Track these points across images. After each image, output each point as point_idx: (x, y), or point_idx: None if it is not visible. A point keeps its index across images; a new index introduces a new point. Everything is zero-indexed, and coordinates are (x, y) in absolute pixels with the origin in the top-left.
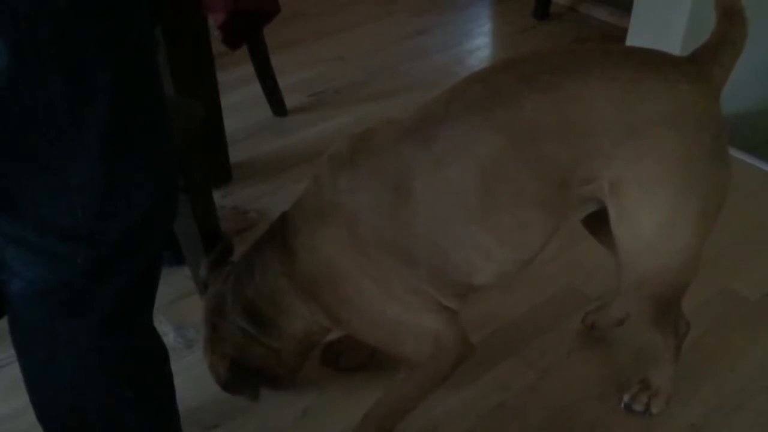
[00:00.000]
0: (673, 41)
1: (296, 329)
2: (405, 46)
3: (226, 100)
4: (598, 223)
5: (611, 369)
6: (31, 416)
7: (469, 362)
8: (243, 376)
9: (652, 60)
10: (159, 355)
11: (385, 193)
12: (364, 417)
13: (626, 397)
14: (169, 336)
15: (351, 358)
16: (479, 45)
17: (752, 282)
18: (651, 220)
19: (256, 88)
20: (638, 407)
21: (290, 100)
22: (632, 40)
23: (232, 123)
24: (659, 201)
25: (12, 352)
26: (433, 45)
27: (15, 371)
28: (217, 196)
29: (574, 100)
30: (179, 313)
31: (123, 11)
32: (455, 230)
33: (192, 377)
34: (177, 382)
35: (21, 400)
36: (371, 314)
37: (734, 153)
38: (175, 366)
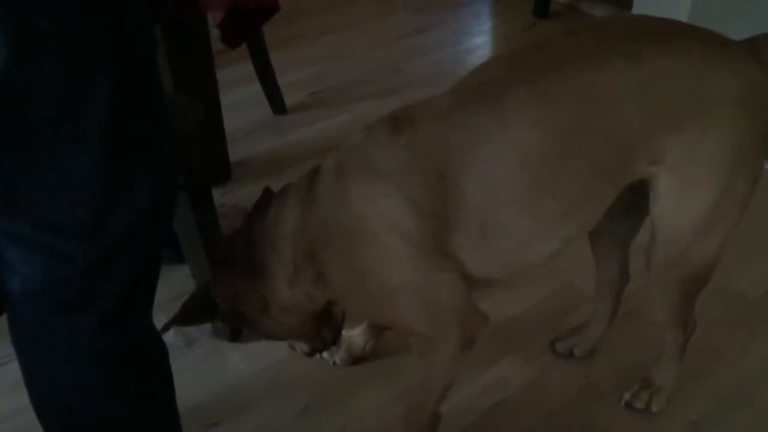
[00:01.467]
0: None
1: (284, 285)
2: (405, 45)
3: (226, 99)
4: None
5: (611, 367)
6: (31, 414)
7: (468, 360)
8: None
9: (716, 37)
10: (159, 353)
11: (444, 157)
12: (404, 413)
13: (627, 395)
14: (168, 334)
15: (351, 351)
16: (479, 43)
17: (753, 280)
18: (703, 199)
19: (255, 87)
20: (639, 405)
21: (290, 99)
22: None
23: (231, 121)
24: (715, 179)
25: (12, 350)
26: (433, 43)
27: (15, 369)
28: (217, 194)
29: (653, 69)
30: None
31: (123, 8)
32: (518, 201)
33: (192, 375)
34: (177, 380)
35: (21, 398)
36: (390, 281)
37: None
38: (174, 364)
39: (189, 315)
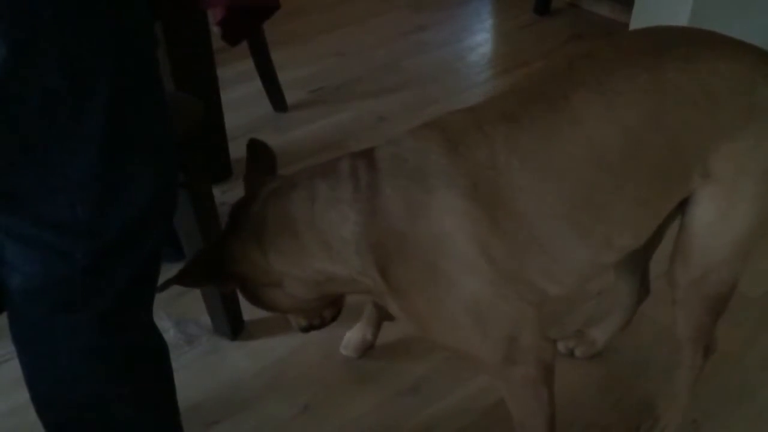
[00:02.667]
0: None
1: (324, 271)
2: (405, 42)
3: (226, 96)
4: None
5: (612, 366)
6: (31, 412)
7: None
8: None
9: (758, 49)
10: (159, 351)
11: (522, 167)
12: None
13: None
14: (169, 332)
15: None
16: (480, 41)
17: (754, 279)
18: (746, 216)
19: (256, 84)
20: None
21: (290, 96)
22: None
23: (232, 119)
24: (760, 195)
25: (12, 347)
26: (433, 41)
27: (15, 367)
28: (218, 192)
29: (712, 71)
30: (179, 308)
31: (123, 7)
32: (590, 205)
33: (192, 373)
34: (177, 378)
35: (21, 395)
36: (457, 305)
37: None
38: (175, 362)
39: (192, 274)
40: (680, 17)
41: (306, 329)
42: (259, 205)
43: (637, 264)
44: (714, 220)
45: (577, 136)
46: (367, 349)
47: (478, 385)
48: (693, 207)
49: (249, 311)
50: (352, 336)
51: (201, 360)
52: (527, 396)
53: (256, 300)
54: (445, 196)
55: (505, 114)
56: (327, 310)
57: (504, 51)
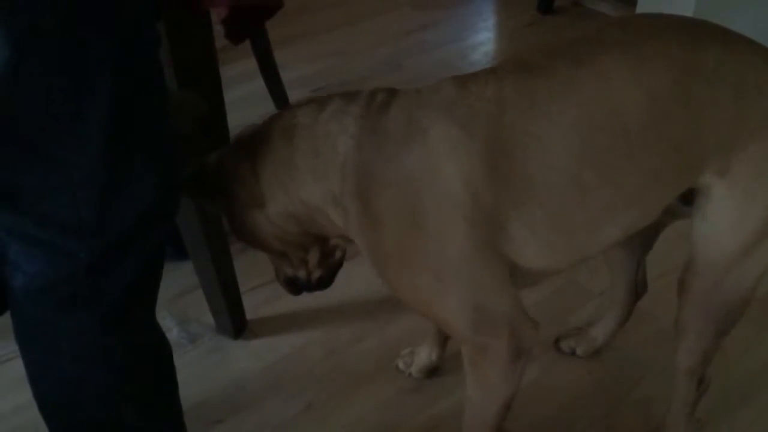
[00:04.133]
0: None
1: (306, 200)
2: (408, 41)
3: (229, 95)
4: None
5: (615, 365)
6: (34, 411)
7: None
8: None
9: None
10: (162, 351)
11: (531, 112)
12: None
13: None
14: (172, 331)
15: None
16: (483, 40)
17: None
18: (757, 220)
19: (259, 83)
20: None
21: (293, 95)
22: None
23: (234, 118)
24: None
25: (15, 347)
26: (436, 40)
27: (19, 366)
28: None
29: (749, 65)
30: (183, 308)
31: (126, 6)
32: (600, 169)
33: (195, 372)
34: (180, 377)
35: (25, 394)
36: (446, 248)
37: None
38: (178, 361)
39: (186, 185)
40: (684, 13)
41: (291, 283)
42: (266, 121)
43: (632, 260)
44: (724, 225)
45: (599, 94)
46: (433, 370)
47: None
48: (705, 209)
49: (252, 310)
50: (418, 357)
51: (204, 359)
52: (489, 377)
53: (239, 226)
54: (444, 123)
55: (526, 63)
56: (313, 266)
57: (507, 50)
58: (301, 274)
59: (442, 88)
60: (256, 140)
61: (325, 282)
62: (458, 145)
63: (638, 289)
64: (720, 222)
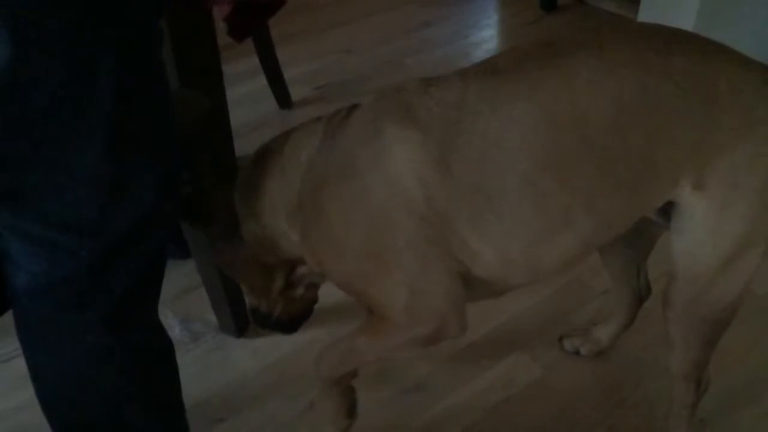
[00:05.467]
0: None
1: (270, 224)
2: (411, 39)
3: (231, 93)
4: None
5: (618, 364)
6: (37, 409)
7: (474, 356)
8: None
9: (762, 64)
10: (164, 349)
11: (492, 114)
12: (316, 358)
13: None
14: (174, 330)
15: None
16: (486, 37)
17: (761, 276)
18: (737, 232)
19: (261, 81)
20: None
21: (295, 93)
22: None
23: (237, 116)
24: (752, 209)
25: (18, 345)
26: (439, 37)
27: (21, 364)
28: None
29: (723, 73)
30: (185, 306)
31: (128, 3)
32: (555, 174)
33: (198, 371)
34: (182, 375)
35: (27, 393)
36: (394, 241)
37: None
38: (180, 360)
39: (187, 205)
40: (688, 12)
41: (253, 313)
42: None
43: (631, 267)
44: (703, 239)
45: (562, 96)
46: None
47: (484, 382)
48: (683, 224)
49: None
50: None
51: (206, 358)
52: (394, 344)
53: (217, 252)
54: (400, 125)
55: (495, 67)
56: (276, 288)
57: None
58: (263, 305)
59: (405, 90)
60: (238, 169)
61: (287, 326)
62: (413, 146)
63: (642, 293)
64: (698, 236)
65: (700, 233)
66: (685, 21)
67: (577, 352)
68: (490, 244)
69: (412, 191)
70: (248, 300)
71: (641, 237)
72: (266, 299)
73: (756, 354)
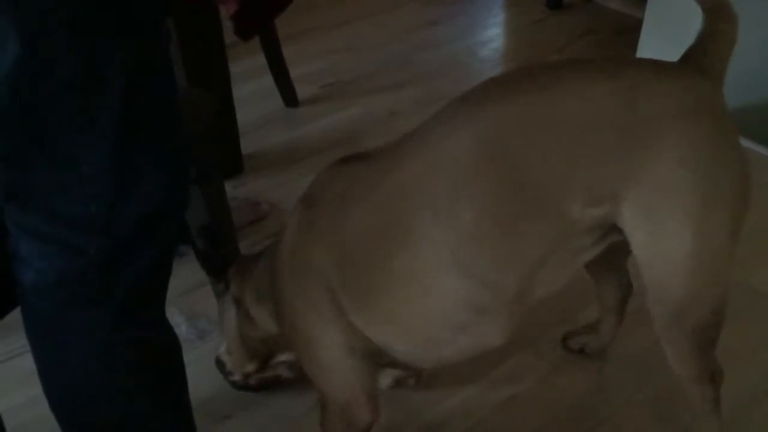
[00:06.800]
0: (690, 31)
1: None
2: (417, 37)
3: (238, 92)
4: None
5: (623, 362)
6: (44, 406)
7: (479, 354)
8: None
9: (645, 62)
10: (171, 346)
11: (374, 210)
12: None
13: None
14: (181, 327)
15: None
16: (492, 36)
17: (766, 275)
18: (685, 232)
19: (267, 79)
20: None
21: (302, 91)
22: (648, 30)
23: (243, 114)
24: (691, 208)
25: (26, 342)
26: (445, 36)
27: (29, 361)
28: (229, 187)
29: (575, 94)
30: (191, 304)
31: (135, 1)
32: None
33: (204, 368)
34: (189, 372)
35: (35, 389)
36: (307, 332)
37: (748, 144)
38: (187, 357)
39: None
40: (696, 9)
41: (222, 369)
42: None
43: (613, 275)
44: (645, 244)
45: (416, 163)
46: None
47: (488, 382)
48: (627, 237)
49: None
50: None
51: (212, 355)
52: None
53: (221, 312)
54: (304, 214)
55: (397, 144)
56: (251, 368)
57: (516, 46)
58: (237, 376)
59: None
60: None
61: (250, 388)
62: (311, 237)
63: (623, 290)
64: (642, 243)
65: (641, 242)
66: (694, 14)
67: (581, 351)
68: (371, 311)
69: (328, 307)
70: (222, 356)
71: (609, 257)
72: (239, 370)
73: (764, 354)
